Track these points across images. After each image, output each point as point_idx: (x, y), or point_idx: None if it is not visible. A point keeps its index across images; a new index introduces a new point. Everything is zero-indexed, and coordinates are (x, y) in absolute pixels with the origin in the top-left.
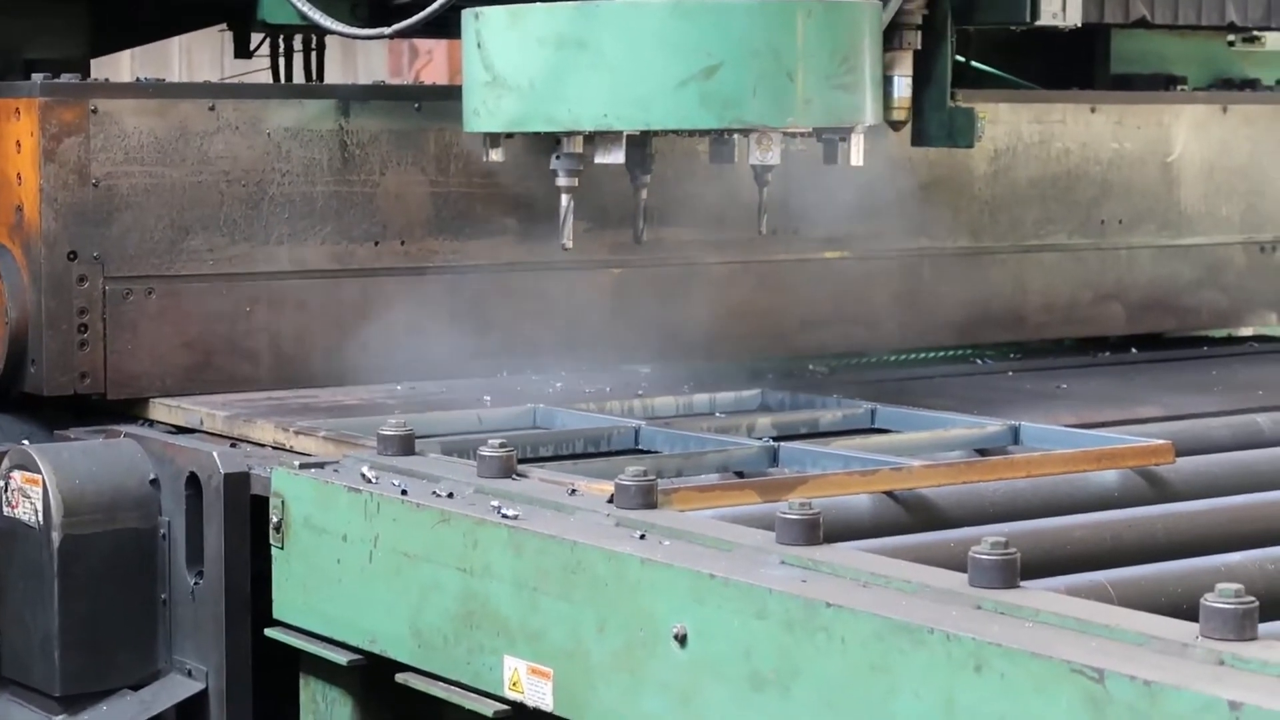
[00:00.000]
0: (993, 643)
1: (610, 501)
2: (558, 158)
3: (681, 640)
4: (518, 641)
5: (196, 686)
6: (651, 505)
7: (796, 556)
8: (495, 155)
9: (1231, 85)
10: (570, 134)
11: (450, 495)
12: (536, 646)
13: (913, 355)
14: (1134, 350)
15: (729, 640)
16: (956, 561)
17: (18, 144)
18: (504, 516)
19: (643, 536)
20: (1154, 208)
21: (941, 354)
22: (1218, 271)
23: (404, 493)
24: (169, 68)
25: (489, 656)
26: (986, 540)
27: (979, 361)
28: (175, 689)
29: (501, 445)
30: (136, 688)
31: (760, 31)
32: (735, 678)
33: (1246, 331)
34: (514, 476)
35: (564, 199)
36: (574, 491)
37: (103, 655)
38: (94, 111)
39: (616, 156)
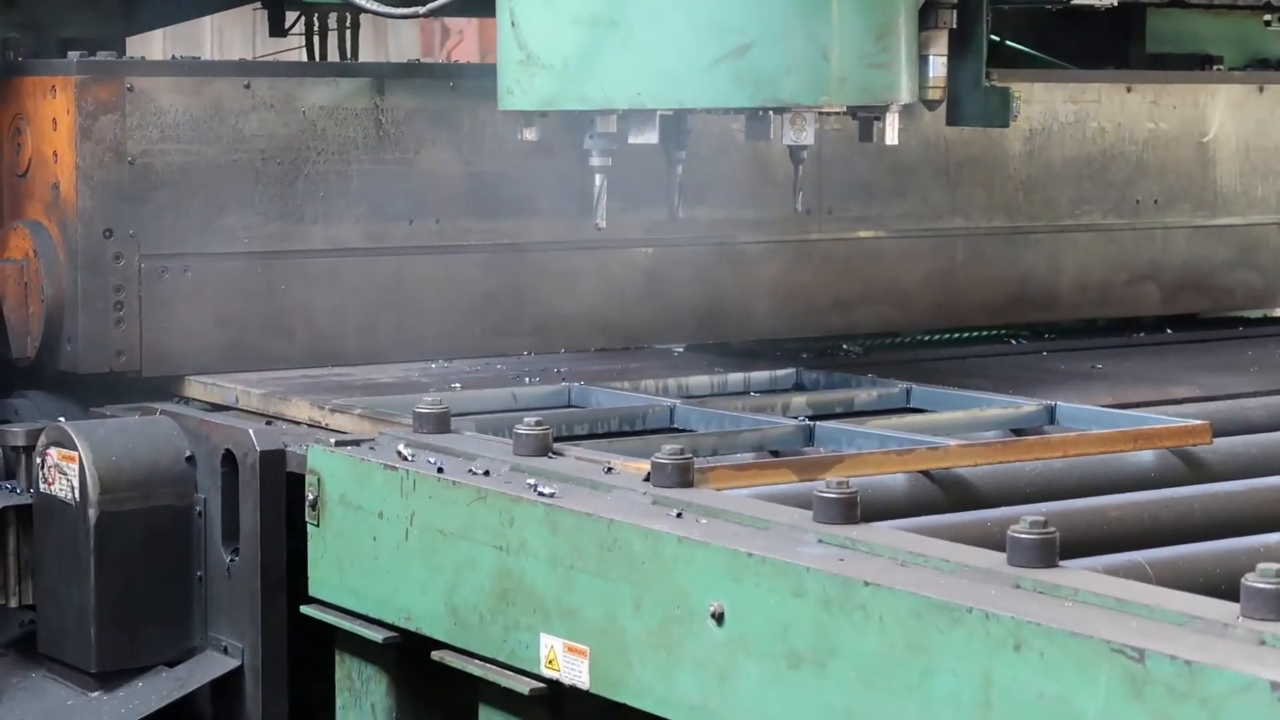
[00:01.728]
0: (1032, 622)
1: (646, 480)
2: (591, 137)
3: (718, 618)
4: (554, 619)
5: (232, 663)
6: (688, 484)
7: (834, 535)
8: (529, 134)
9: (1267, 65)
10: (603, 113)
11: (486, 473)
12: (573, 624)
13: (946, 335)
14: (1168, 331)
15: (766, 618)
16: (994, 541)
17: (54, 122)
18: (540, 494)
19: (679, 515)
20: (1189, 188)
21: (975, 334)
22: (1252, 252)
23: (440, 470)
24: (200, 46)
25: (525, 634)
26: (1025, 519)
27: (1012, 341)
28: (211, 666)
29: (538, 423)
30: (172, 664)
31: (794, 9)
32: (772, 656)
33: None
34: (550, 455)
35: (598, 178)
36: (610, 470)
37: (138, 632)
38: (130, 90)
39: (650, 136)
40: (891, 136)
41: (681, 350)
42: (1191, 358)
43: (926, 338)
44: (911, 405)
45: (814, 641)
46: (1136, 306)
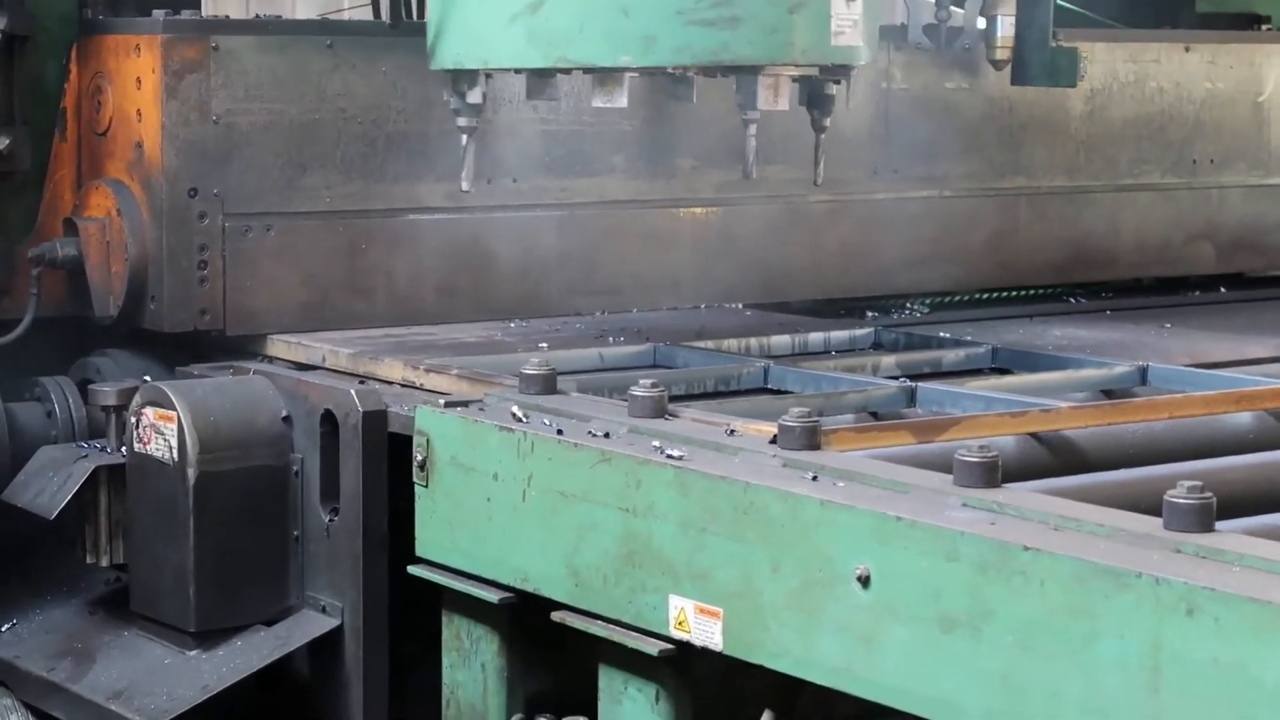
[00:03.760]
0: (1205, 586)
1: (773, 442)
2: (452, 98)
3: (864, 581)
4: (684, 581)
5: (332, 623)
6: (815, 446)
7: (978, 499)
8: (472, 96)
9: None
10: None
11: (606, 435)
12: (704, 586)
13: (1007, 293)
14: (1221, 289)
15: (916, 582)
16: (1133, 504)
17: (138, 81)
18: (669, 457)
19: (814, 478)
20: (1245, 147)
21: (1035, 292)
22: None
23: (559, 432)
24: (278, 4)
25: (652, 596)
26: (1181, 483)
27: (1072, 300)
28: (310, 625)
29: (654, 385)
30: (269, 624)
31: None
32: (922, 619)
33: None
34: (666, 416)
35: (464, 139)
36: (732, 432)
37: (236, 591)
38: (215, 49)
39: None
40: (782, 103)
41: (749, 311)
42: (1256, 316)
43: (985, 296)
44: (997, 365)
45: (969, 605)
46: (1193, 265)
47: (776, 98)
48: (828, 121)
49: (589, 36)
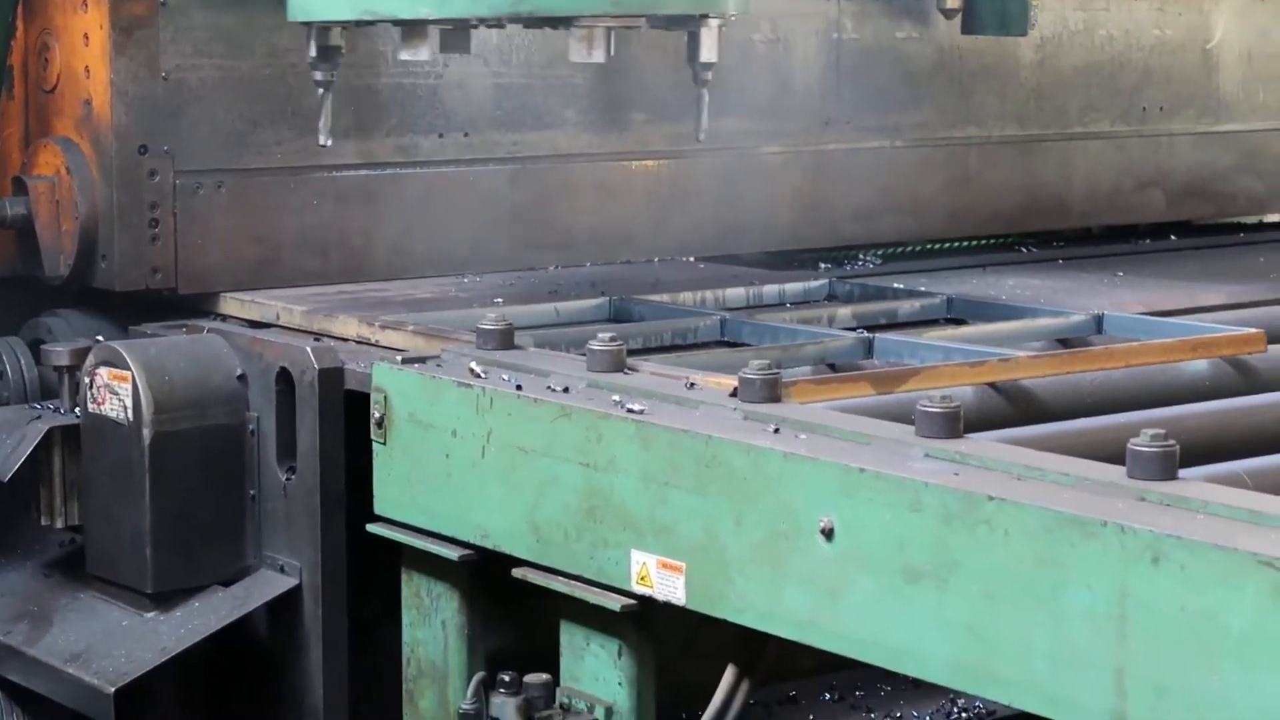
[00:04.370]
0: (1170, 534)
1: (733, 395)
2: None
3: (828, 534)
4: (646, 536)
5: (290, 582)
6: (775, 399)
7: (941, 449)
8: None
9: None
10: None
11: (566, 390)
12: (667, 540)
13: (959, 243)
14: (1172, 237)
15: (880, 533)
16: (1095, 453)
17: (85, 37)
18: (629, 411)
19: (776, 430)
20: (1194, 94)
21: (987, 242)
22: (1255, 157)
23: (518, 388)
24: None
25: (614, 550)
26: (1144, 432)
27: (1024, 250)
28: (267, 585)
29: (611, 339)
30: (227, 584)
31: None
32: (887, 570)
33: (1276, 218)
34: (625, 370)
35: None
36: (692, 385)
37: (193, 552)
38: (164, 4)
39: (422, 53)
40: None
41: (702, 264)
42: (1207, 264)
43: (940, 246)
44: (952, 315)
45: (933, 556)
46: (1143, 213)
47: (591, 49)
48: (709, 75)
49: None
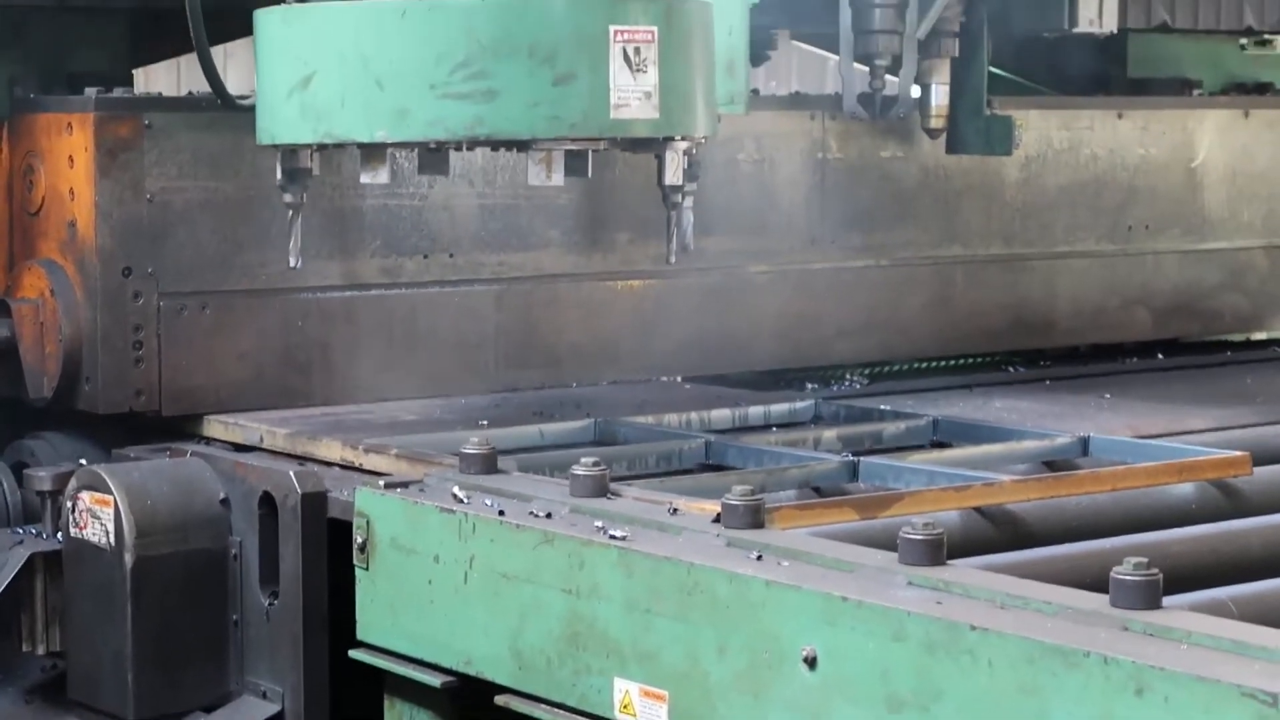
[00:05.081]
0: (1154, 665)
1: (716, 521)
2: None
3: (811, 662)
4: (629, 663)
5: (272, 708)
6: (759, 525)
7: (924, 577)
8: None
9: (1243, 88)
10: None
11: (549, 515)
12: (650, 668)
13: (946, 362)
14: (1160, 356)
15: (863, 662)
16: (1079, 578)
17: (70, 159)
18: (612, 537)
19: (759, 557)
20: (1179, 213)
21: (973, 361)
22: (1240, 276)
23: (501, 513)
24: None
25: (597, 678)
26: (1128, 560)
27: (1010, 369)
28: (250, 711)
29: (595, 464)
30: (209, 709)
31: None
32: (870, 699)
33: (1262, 336)
34: (609, 495)
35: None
36: (675, 511)
37: (175, 677)
38: (149, 126)
39: (381, 175)
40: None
41: (688, 384)
42: (1195, 385)
43: (926, 365)
44: (938, 437)
45: (916, 685)
46: (1129, 331)
47: (550, 173)
48: (679, 197)
49: (349, 110)
